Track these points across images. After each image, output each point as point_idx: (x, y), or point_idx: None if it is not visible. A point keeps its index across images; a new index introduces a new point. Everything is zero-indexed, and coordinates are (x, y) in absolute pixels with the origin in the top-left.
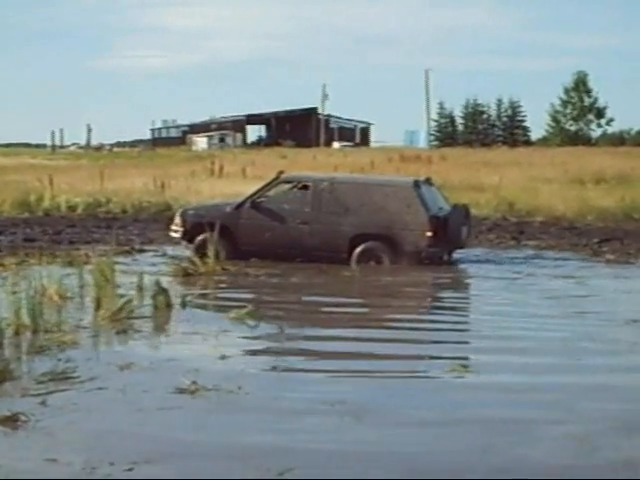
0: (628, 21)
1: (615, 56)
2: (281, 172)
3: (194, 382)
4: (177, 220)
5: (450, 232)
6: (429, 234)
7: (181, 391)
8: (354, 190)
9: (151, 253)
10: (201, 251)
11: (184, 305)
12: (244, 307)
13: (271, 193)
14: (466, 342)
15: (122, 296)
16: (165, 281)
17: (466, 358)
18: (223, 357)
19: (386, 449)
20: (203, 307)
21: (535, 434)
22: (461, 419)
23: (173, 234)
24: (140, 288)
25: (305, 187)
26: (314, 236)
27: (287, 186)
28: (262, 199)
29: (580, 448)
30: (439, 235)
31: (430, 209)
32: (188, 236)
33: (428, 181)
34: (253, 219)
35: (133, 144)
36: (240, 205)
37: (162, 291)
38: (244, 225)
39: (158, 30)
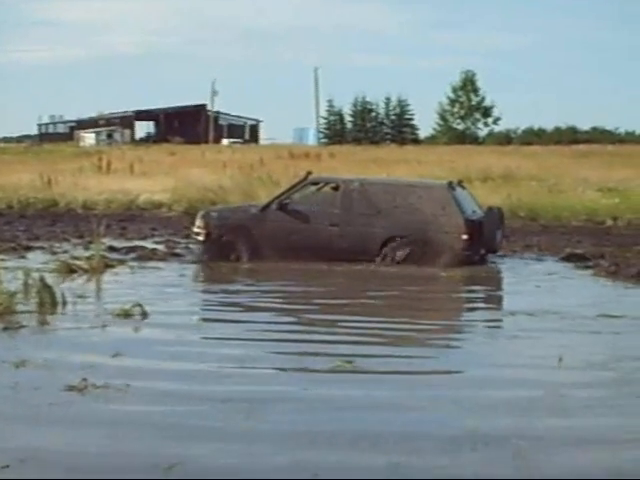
0: (516, 21)
1: (502, 56)
2: (309, 173)
3: (84, 379)
4: (199, 222)
5: (485, 235)
6: (465, 237)
7: (70, 388)
8: (386, 191)
9: (37, 250)
10: (224, 254)
11: (69, 302)
12: (129, 302)
13: (298, 195)
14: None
15: (5, 292)
16: (50, 277)
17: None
18: (111, 354)
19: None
20: (89, 303)
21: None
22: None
23: (195, 237)
24: (25, 284)
25: (334, 188)
26: (344, 238)
27: (315, 187)
28: (289, 200)
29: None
30: (474, 238)
31: (465, 212)
32: (211, 239)
33: (460, 184)
34: (280, 221)
35: (20, 139)
36: (266, 207)
37: (47, 287)
38: (270, 227)
39: (47, 24)
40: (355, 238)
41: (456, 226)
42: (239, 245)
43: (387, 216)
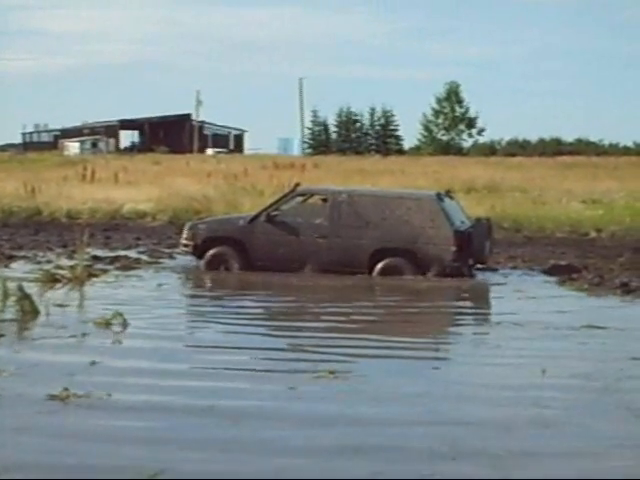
0: (500, 32)
1: (486, 67)
2: (297, 184)
3: (66, 389)
4: (186, 234)
5: (474, 247)
6: (454, 249)
7: (52, 397)
8: (375, 203)
9: (21, 259)
10: (213, 266)
11: (49, 310)
12: (110, 312)
13: (286, 206)
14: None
15: None
16: (32, 286)
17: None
18: (92, 363)
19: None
20: (70, 312)
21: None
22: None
23: (183, 249)
24: (4, 293)
25: (322, 200)
26: (332, 250)
27: (303, 199)
28: (277, 212)
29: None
30: (463, 250)
31: (454, 223)
32: (199, 251)
33: (448, 194)
34: (268, 233)
35: (4, 148)
36: (254, 218)
37: (26, 296)
38: (259, 239)
39: (31, 33)
40: (343, 250)
41: (445, 238)
42: (227, 257)
43: (376, 228)
